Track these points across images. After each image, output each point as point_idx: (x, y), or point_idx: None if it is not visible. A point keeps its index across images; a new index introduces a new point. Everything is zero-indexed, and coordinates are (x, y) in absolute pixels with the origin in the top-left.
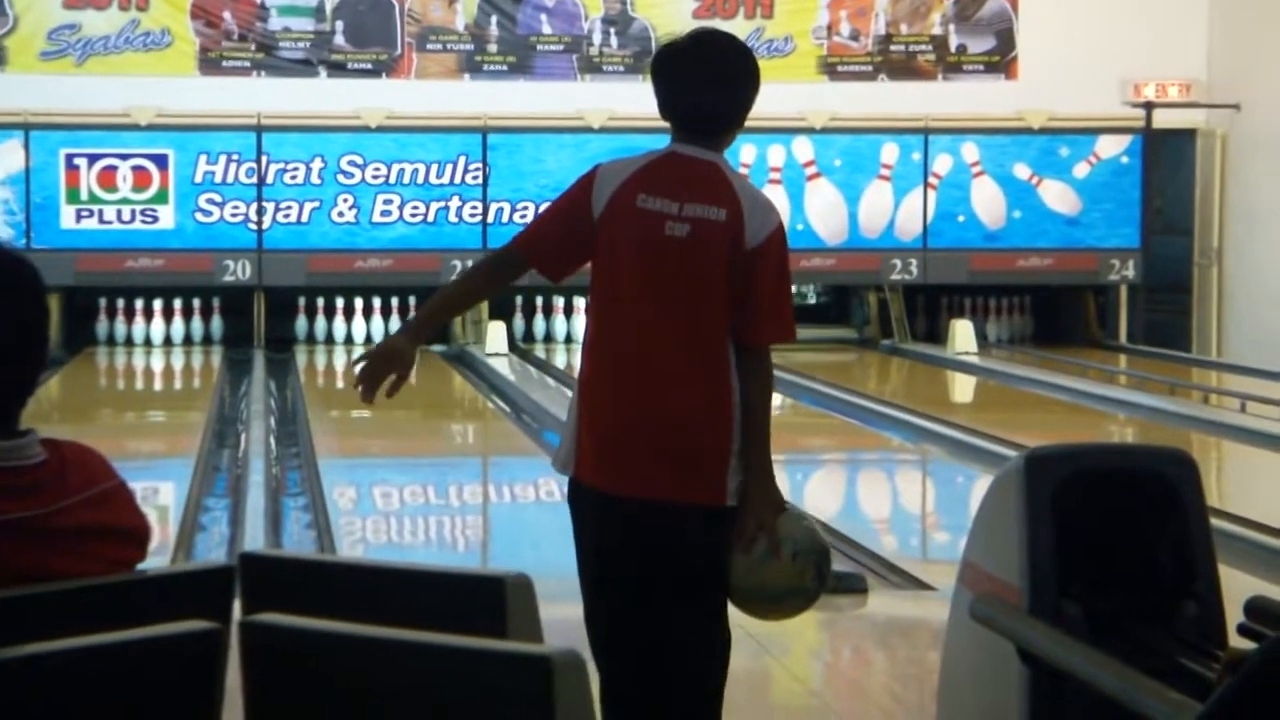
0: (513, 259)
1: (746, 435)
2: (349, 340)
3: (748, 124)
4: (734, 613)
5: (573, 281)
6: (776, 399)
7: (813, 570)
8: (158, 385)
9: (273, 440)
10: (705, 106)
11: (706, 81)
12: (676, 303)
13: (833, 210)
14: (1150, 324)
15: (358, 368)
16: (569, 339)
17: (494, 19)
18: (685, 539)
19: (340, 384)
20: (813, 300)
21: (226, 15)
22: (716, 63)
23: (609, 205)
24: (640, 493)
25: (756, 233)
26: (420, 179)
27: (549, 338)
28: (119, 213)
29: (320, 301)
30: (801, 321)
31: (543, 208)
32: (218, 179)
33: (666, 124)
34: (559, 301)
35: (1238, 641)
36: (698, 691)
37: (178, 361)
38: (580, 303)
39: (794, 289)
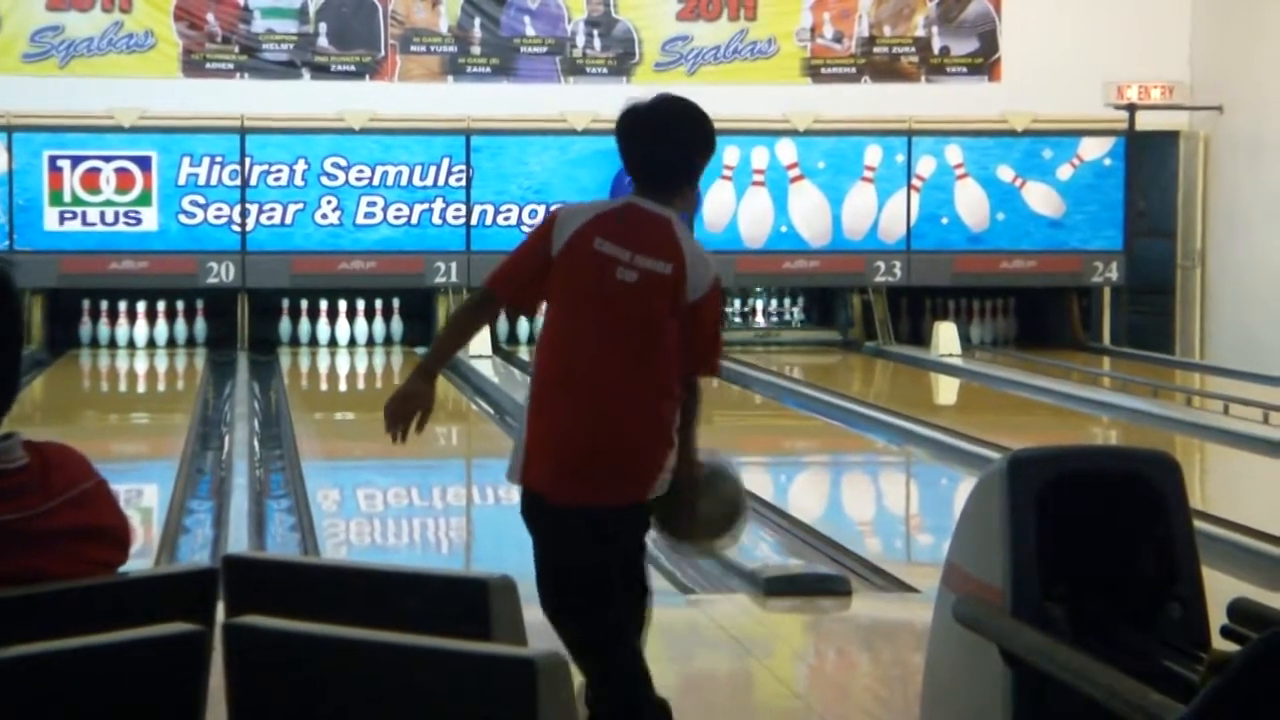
0: (487, 297)
1: (685, 440)
2: (333, 342)
3: (731, 125)
4: (727, 617)
5: None
6: (757, 399)
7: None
8: (141, 387)
9: (256, 442)
10: (661, 166)
11: (663, 144)
12: (624, 338)
13: (816, 212)
14: (1133, 326)
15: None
16: None
17: (477, 21)
18: (632, 533)
19: (324, 386)
20: (797, 323)
21: (210, 17)
22: (673, 128)
23: (567, 244)
24: (594, 500)
25: (696, 287)
26: (404, 181)
27: (532, 340)
28: (102, 215)
29: (304, 303)
30: (787, 327)
31: (512, 250)
32: (201, 181)
33: None
34: (542, 304)
35: (1221, 643)
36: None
37: (161, 364)
38: None
39: (779, 309)
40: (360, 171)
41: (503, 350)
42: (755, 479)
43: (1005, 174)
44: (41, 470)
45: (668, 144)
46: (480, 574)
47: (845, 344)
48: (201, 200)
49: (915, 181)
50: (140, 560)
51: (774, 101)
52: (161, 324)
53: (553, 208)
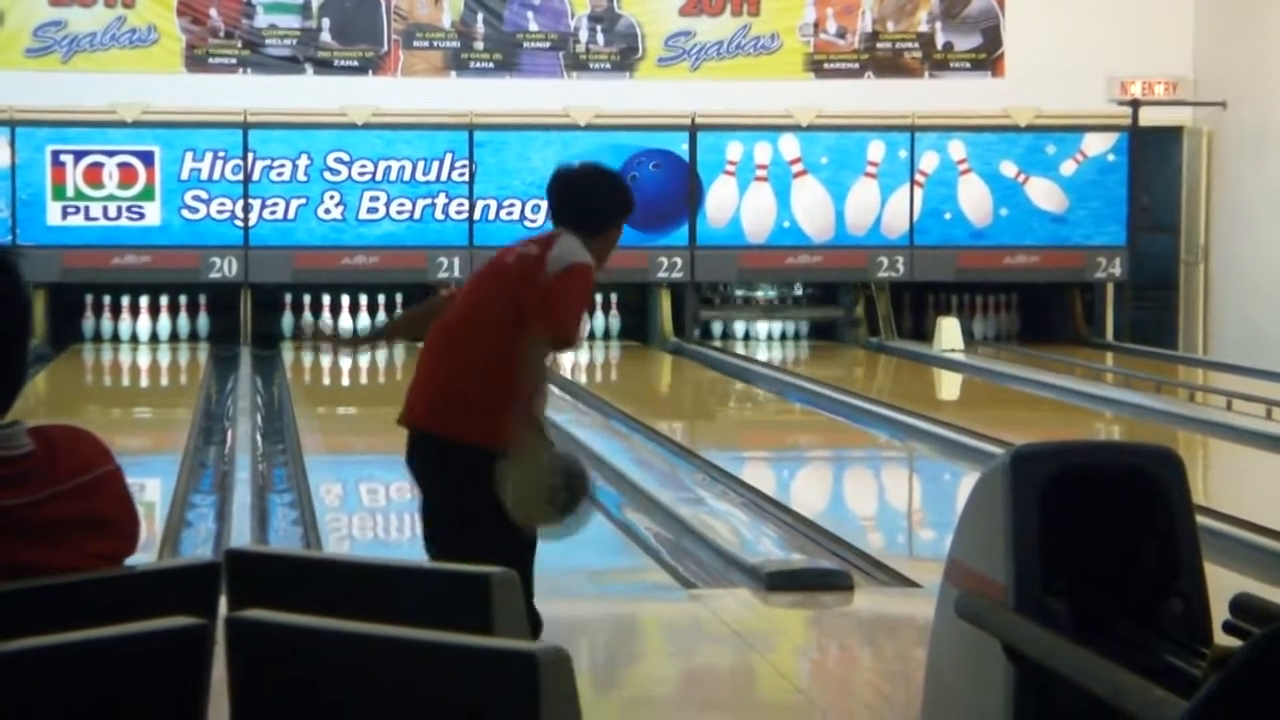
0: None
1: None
2: (335, 337)
3: (735, 121)
4: (729, 611)
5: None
6: (759, 394)
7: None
8: (144, 382)
9: (259, 437)
10: (577, 213)
11: (585, 198)
12: (492, 307)
13: (819, 208)
14: (1136, 321)
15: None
16: None
17: (480, 16)
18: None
19: (327, 381)
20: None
21: (213, 12)
22: (583, 192)
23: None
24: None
25: (554, 265)
26: (406, 176)
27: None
28: (105, 209)
29: (306, 298)
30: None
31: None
32: (204, 176)
33: (651, 123)
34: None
35: (1223, 639)
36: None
37: (164, 358)
38: None
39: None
40: (363, 166)
41: None
42: (758, 473)
43: (1008, 169)
44: (48, 457)
45: (590, 198)
46: (482, 568)
47: (852, 323)
48: (204, 195)
49: (918, 177)
50: (143, 554)
51: (777, 97)
52: (164, 319)
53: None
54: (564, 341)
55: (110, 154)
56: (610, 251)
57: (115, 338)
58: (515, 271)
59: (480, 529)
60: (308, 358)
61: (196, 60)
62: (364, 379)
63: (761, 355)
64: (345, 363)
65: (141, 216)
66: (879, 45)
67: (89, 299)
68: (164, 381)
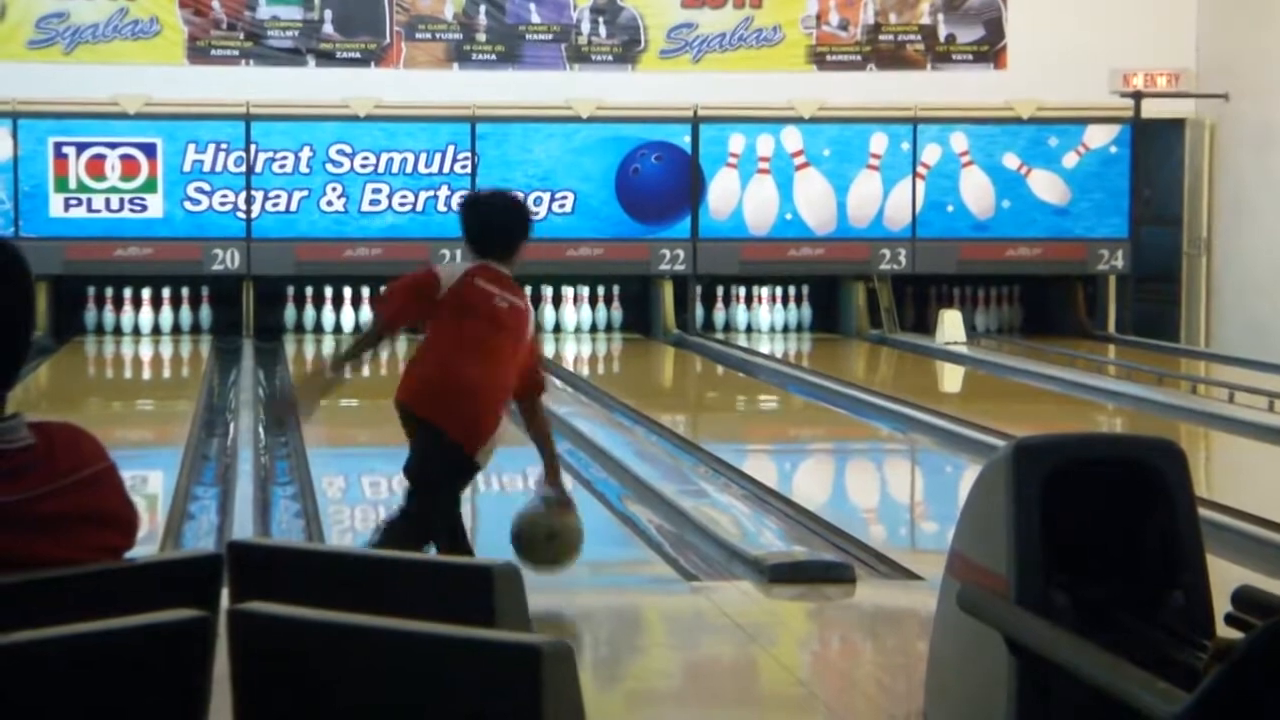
0: (384, 331)
1: (546, 450)
2: (338, 329)
3: (737, 114)
4: (731, 604)
5: (561, 272)
6: (761, 386)
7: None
8: (146, 374)
9: (261, 429)
10: (501, 240)
11: (506, 231)
12: (500, 341)
13: (821, 200)
14: (1139, 314)
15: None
16: (558, 328)
17: (483, 8)
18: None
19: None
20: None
21: (215, 4)
22: (510, 219)
23: (454, 286)
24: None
25: (530, 326)
26: (409, 168)
27: (537, 327)
28: (107, 201)
29: (309, 290)
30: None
31: (390, 287)
32: (206, 168)
33: (653, 115)
34: (547, 291)
35: (1225, 631)
36: None
37: (166, 350)
38: (568, 292)
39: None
40: (365, 158)
41: None
42: (760, 465)
43: (1011, 162)
44: (47, 452)
45: (513, 231)
46: (484, 561)
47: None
48: (207, 187)
49: (920, 169)
50: (145, 546)
51: (779, 89)
52: (166, 311)
53: (431, 268)
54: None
55: (113, 146)
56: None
57: (117, 330)
58: (516, 319)
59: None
60: (310, 350)
61: (199, 52)
62: (366, 371)
63: (764, 347)
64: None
65: (144, 208)
66: (881, 37)
67: (91, 291)
68: (166, 374)
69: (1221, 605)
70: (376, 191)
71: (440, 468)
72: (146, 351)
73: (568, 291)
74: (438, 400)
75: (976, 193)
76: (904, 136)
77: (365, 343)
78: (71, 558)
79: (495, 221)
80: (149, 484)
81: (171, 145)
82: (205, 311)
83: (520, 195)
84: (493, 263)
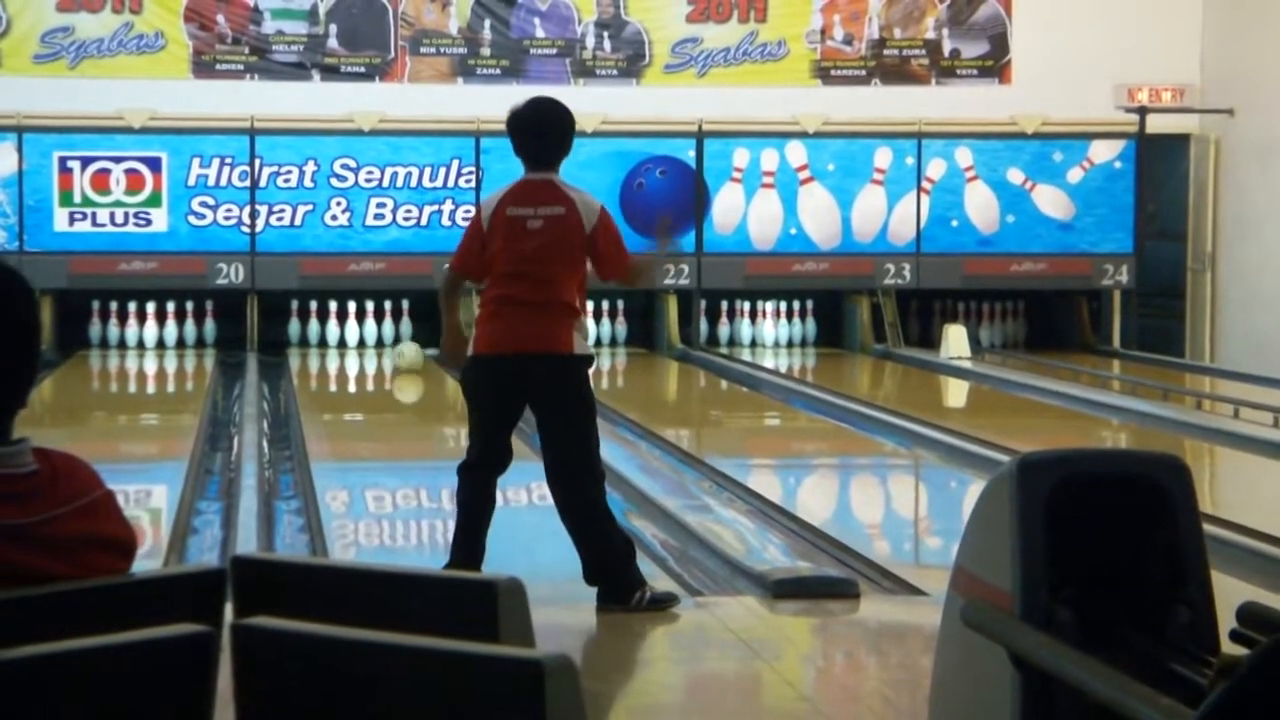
0: (454, 278)
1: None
2: (341, 344)
3: (741, 128)
4: (734, 619)
5: None
6: (765, 401)
7: None
8: (150, 388)
9: (265, 444)
10: (537, 149)
11: (536, 134)
12: (538, 263)
13: (826, 214)
14: (1143, 329)
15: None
16: None
17: (487, 23)
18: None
19: (333, 387)
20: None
21: (220, 18)
22: (540, 120)
23: (491, 219)
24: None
25: (588, 220)
26: (413, 182)
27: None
28: (112, 215)
29: (313, 305)
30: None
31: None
32: (211, 182)
33: (658, 130)
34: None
35: (1230, 647)
36: None
37: (170, 364)
38: None
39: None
40: (370, 173)
41: None
42: (764, 481)
43: (1015, 177)
44: (51, 477)
45: (538, 134)
46: (488, 576)
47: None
48: (211, 201)
49: (925, 184)
50: (149, 561)
51: (784, 103)
52: (171, 325)
53: (479, 205)
54: (624, 276)
55: (117, 160)
56: None
57: (122, 344)
58: (555, 232)
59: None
60: (314, 364)
61: (204, 66)
62: (370, 386)
63: (768, 362)
64: (352, 369)
65: (148, 223)
66: (886, 52)
67: (96, 305)
68: (170, 388)
69: (1226, 621)
70: (381, 206)
71: (482, 389)
72: (151, 365)
73: None
74: (490, 334)
75: (981, 207)
76: (908, 151)
77: (448, 301)
78: (76, 575)
79: (526, 129)
80: (153, 498)
81: (176, 159)
82: (209, 326)
83: (552, 101)
84: (535, 174)
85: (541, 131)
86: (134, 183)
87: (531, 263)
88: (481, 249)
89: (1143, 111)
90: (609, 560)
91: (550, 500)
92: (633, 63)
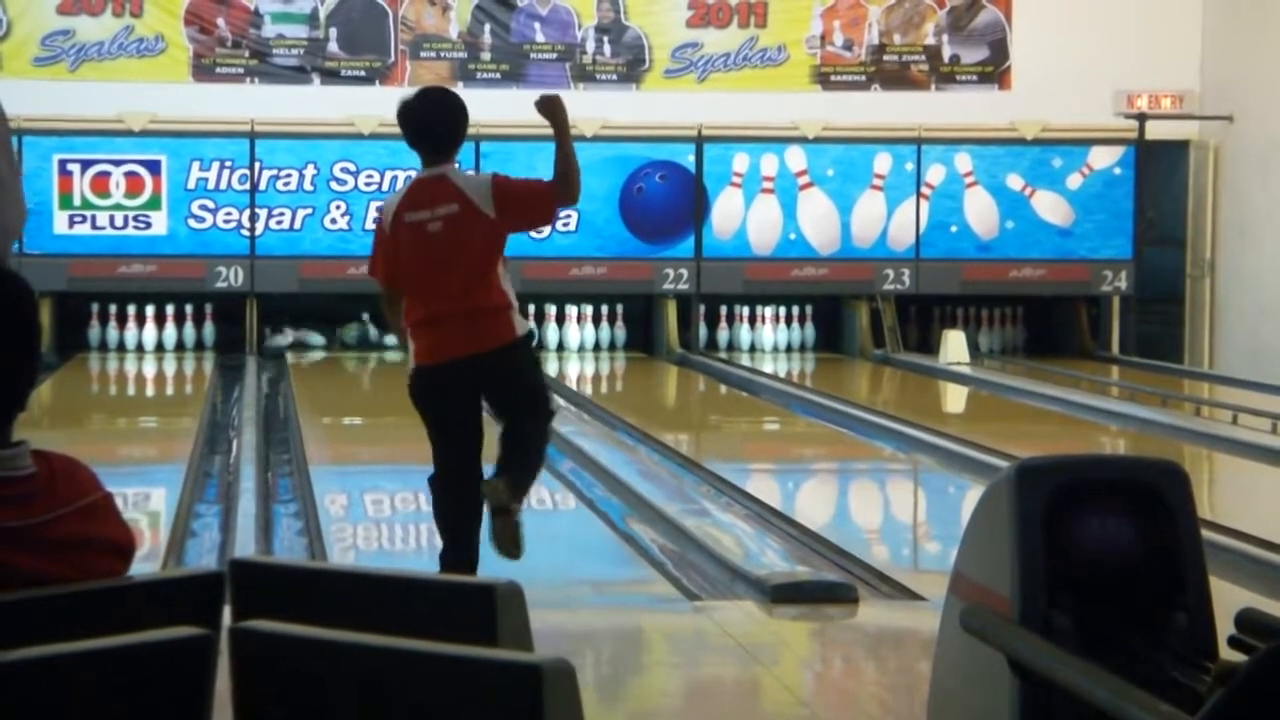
0: (389, 293)
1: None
2: (342, 346)
3: (742, 133)
4: (733, 624)
5: (564, 290)
6: (764, 406)
7: None
8: (150, 391)
9: (264, 447)
10: (427, 142)
11: (423, 127)
12: (443, 270)
13: (825, 220)
14: (1142, 335)
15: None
16: (561, 347)
17: (487, 27)
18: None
19: (332, 391)
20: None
21: (220, 22)
22: (427, 111)
23: (392, 225)
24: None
25: (484, 203)
26: None
27: (539, 344)
28: (112, 218)
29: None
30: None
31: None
32: (211, 185)
33: (658, 135)
34: (550, 309)
35: (1228, 654)
36: None
37: (170, 367)
38: (571, 311)
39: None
40: (369, 176)
41: None
42: (763, 485)
43: (1015, 182)
44: (49, 480)
45: (428, 125)
46: (487, 580)
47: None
48: (211, 205)
49: (924, 190)
50: (147, 564)
51: (783, 109)
52: (170, 328)
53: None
54: (558, 196)
55: (117, 163)
56: None
57: (121, 347)
58: (456, 232)
59: None
60: (313, 367)
61: (204, 70)
62: (369, 389)
63: (767, 367)
64: (351, 372)
65: (148, 226)
66: (886, 58)
67: (95, 308)
68: (169, 391)
69: (1224, 628)
70: (381, 209)
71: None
72: (150, 368)
73: (571, 310)
74: (427, 348)
75: (980, 213)
76: (908, 157)
77: (395, 318)
78: (78, 580)
79: (414, 122)
80: (151, 501)
81: (176, 163)
82: (209, 328)
83: (440, 91)
84: (428, 171)
85: (427, 124)
86: (134, 186)
87: (444, 271)
88: (395, 255)
89: (1142, 118)
90: (516, 468)
91: (549, 503)
92: (633, 67)
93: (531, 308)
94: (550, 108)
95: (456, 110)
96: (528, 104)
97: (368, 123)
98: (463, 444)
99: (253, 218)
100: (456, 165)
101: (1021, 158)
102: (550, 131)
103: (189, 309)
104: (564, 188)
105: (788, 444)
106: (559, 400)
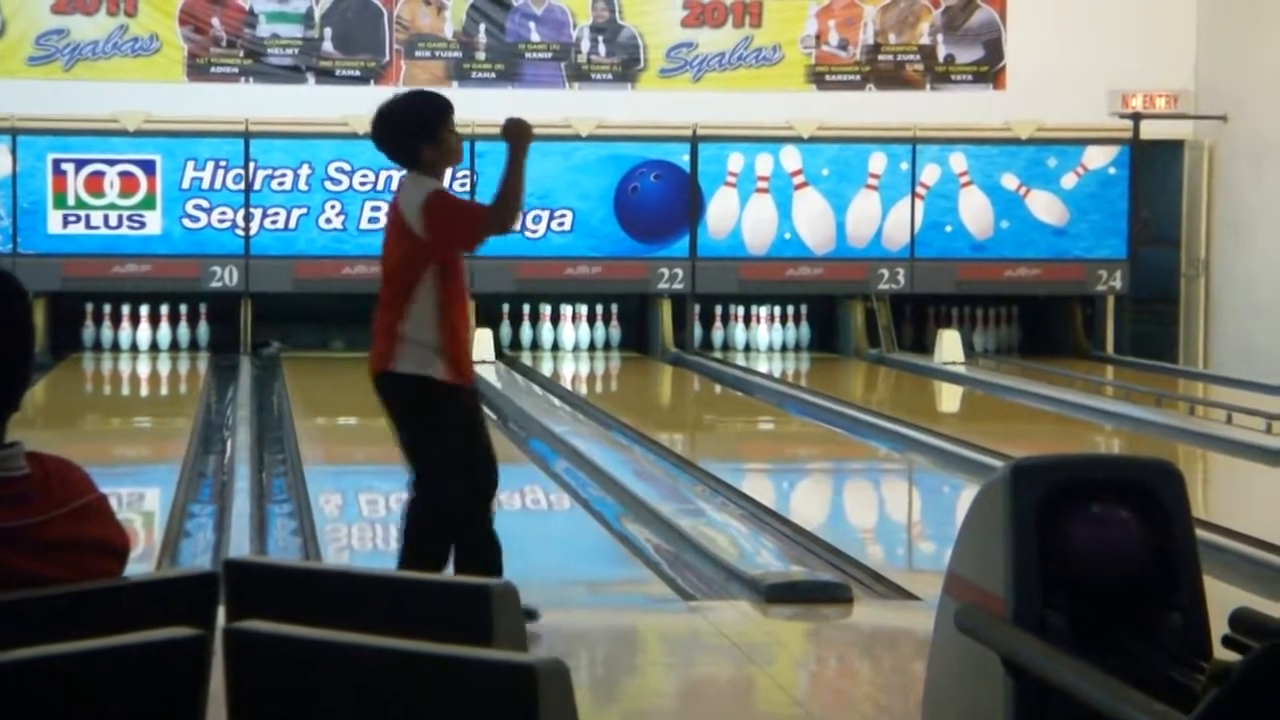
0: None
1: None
2: (337, 346)
3: (737, 133)
4: (728, 623)
5: (559, 290)
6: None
7: None
8: (144, 391)
9: (258, 446)
10: (387, 151)
11: (380, 138)
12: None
13: (820, 220)
14: (1137, 335)
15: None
16: (556, 346)
17: (482, 26)
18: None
19: (327, 391)
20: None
21: (215, 22)
22: (382, 123)
23: None
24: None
25: (412, 209)
26: None
27: (535, 345)
28: (106, 218)
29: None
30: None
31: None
32: (205, 185)
33: (653, 134)
34: (545, 309)
35: (1222, 653)
36: None
37: (164, 367)
38: (566, 310)
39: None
40: (364, 176)
41: (505, 356)
42: (758, 485)
43: (1009, 182)
44: (44, 481)
45: (382, 136)
46: (482, 580)
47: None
48: (205, 204)
49: (919, 189)
50: (141, 564)
51: (778, 108)
52: (164, 328)
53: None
54: (485, 219)
55: (111, 163)
56: (448, 148)
57: (115, 347)
58: (390, 242)
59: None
60: (307, 368)
61: (198, 69)
62: (363, 389)
63: (762, 367)
64: (345, 373)
65: (142, 225)
66: (880, 57)
67: (89, 308)
68: (164, 391)
69: (1219, 627)
70: (375, 209)
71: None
72: (144, 368)
73: (566, 310)
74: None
75: (975, 213)
76: (903, 156)
77: None
78: (72, 581)
79: (375, 134)
80: (146, 501)
81: (170, 162)
82: (203, 328)
83: (398, 99)
84: (405, 178)
85: (375, 138)
86: (128, 185)
87: (382, 282)
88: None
89: (1137, 118)
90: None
91: (542, 504)
92: (628, 67)
93: (526, 307)
94: (516, 131)
95: (398, 120)
96: (523, 104)
97: (362, 122)
98: (409, 464)
99: (247, 217)
100: (415, 173)
101: (1016, 157)
102: (548, 133)
103: (183, 309)
104: (500, 211)
105: (783, 444)
106: (553, 400)
